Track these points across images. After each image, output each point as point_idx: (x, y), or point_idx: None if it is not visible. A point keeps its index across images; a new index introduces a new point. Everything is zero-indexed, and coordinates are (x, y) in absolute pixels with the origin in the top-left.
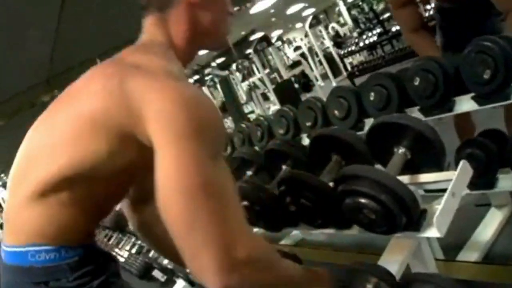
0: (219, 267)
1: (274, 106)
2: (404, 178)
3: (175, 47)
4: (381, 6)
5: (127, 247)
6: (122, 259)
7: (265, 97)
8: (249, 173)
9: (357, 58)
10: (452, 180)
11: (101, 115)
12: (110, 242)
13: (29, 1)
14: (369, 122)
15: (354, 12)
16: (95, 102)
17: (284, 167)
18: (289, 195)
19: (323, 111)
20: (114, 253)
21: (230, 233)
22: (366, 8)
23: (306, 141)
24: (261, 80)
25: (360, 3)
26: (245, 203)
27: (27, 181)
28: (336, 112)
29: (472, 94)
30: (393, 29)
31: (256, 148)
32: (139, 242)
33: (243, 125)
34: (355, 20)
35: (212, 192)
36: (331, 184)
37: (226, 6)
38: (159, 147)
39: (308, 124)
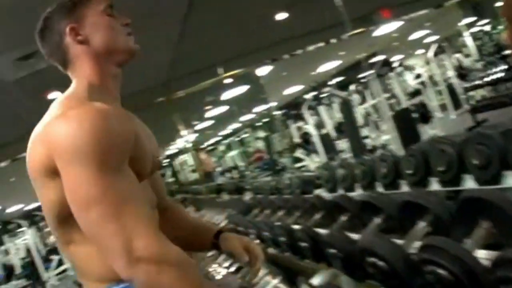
0: (122, 265)
1: (385, 136)
2: None
3: (92, 83)
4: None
5: None
6: None
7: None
8: (376, 221)
9: (479, 92)
10: None
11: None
12: None
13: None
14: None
15: (477, 43)
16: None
17: (420, 223)
18: (430, 264)
19: (458, 157)
20: None
21: (127, 235)
22: (489, 40)
23: (434, 185)
24: (375, 106)
25: (482, 36)
26: (373, 259)
27: None
28: (474, 160)
29: None
30: None
31: (380, 188)
32: None
33: (367, 158)
34: (479, 51)
35: (100, 202)
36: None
37: (111, 24)
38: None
39: (440, 169)
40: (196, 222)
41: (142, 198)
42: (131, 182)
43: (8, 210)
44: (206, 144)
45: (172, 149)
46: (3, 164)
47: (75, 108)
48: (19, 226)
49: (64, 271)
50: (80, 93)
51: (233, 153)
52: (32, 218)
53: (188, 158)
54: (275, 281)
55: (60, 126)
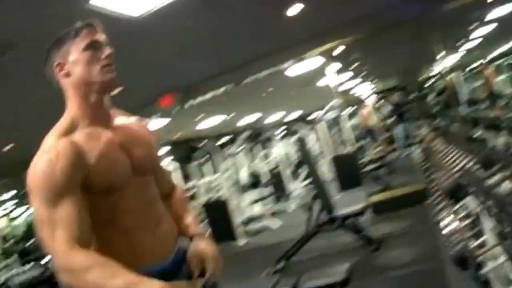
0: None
1: None
2: None
3: (74, 115)
4: None
5: None
6: None
7: None
8: None
9: None
10: None
11: None
12: None
13: None
14: None
15: None
16: None
17: None
18: None
19: None
20: None
21: (53, 249)
22: None
23: None
24: None
25: None
26: None
27: None
28: None
29: None
30: None
31: None
32: None
33: None
34: None
35: (42, 225)
36: None
37: (88, 59)
38: None
39: None
40: (183, 216)
41: (64, 228)
42: (60, 213)
43: (266, 121)
44: (471, 66)
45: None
46: (264, 73)
47: (39, 152)
48: (272, 136)
49: (311, 183)
50: (60, 127)
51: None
52: (287, 130)
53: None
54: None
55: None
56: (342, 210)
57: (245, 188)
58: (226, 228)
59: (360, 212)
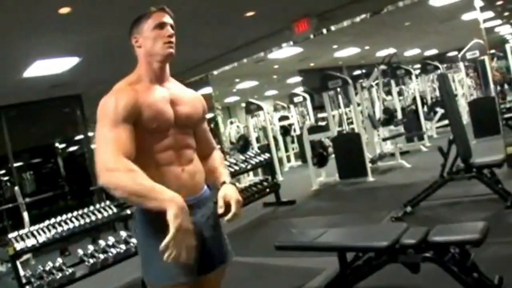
0: (97, 173)
1: None
2: None
3: (140, 72)
4: None
5: None
6: None
7: None
8: None
9: None
10: None
11: None
12: None
13: None
14: None
15: None
16: None
17: None
18: None
19: None
20: None
21: (104, 156)
22: None
23: None
24: None
25: None
26: None
27: None
28: None
29: None
30: None
31: None
32: None
33: None
34: None
35: (100, 142)
36: None
37: (156, 37)
38: None
39: None
40: (218, 170)
41: (117, 143)
42: (116, 133)
43: (407, 53)
44: None
45: None
46: (406, 1)
47: (110, 92)
48: (408, 72)
49: (447, 125)
50: (129, 78)
51: None
52: (425, 65)
53: None
54: None
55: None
56: (479, 159)
57: (377, 124)
58: (356, 163)
59: (499, 164)
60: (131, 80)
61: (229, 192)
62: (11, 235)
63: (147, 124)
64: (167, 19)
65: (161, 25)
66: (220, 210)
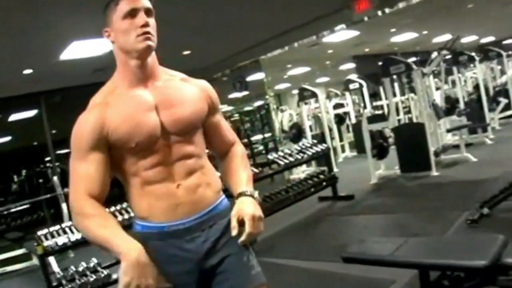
0: None
1: None
2: None
3: (116, 76)
4: None
5: None
6: None
7: None
8: None
9: None
10: None
11: None
12: None
13: None
14: None
15: None
16: None
17: None
18: None
19: None
20: None
21: (71, 196)
22: None
23: None
24: None
25: None
26: None
27: None
28: None
29: None
30: None
31: None
32: None
33: None
34: None
35: (70, 175)
36: None
37: (126, 28)
38: None
39: None
40: (235, 173)
41: (84, 180)
42: (84, 168)
43: (463, 40)
44: None
45: None
46: None
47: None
48: (472, 58)
49: (510, 116)
50: (104, 88)
51: None
52: (486, 52)
53: None
54: None
55: None
56: None
57: (442, 114)
58: (420, 156)
59: None
60: (106, 89)
61: (244, 207)
62: (40, 232)
63: (124, 145)
64: (141, 2)
65: (132, 12)
66: (234, 232)
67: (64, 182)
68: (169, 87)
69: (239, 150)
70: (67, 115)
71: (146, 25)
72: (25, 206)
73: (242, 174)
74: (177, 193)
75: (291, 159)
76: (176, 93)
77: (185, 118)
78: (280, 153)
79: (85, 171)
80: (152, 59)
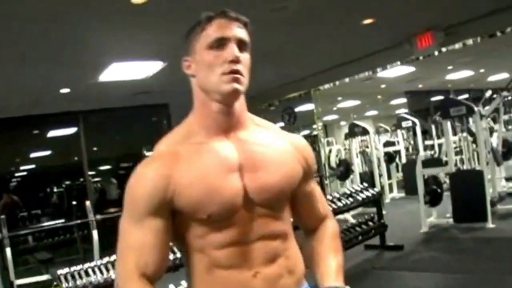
0: None
1: None
2: None
3: (192, 121)
4: None
5: None
6: None
7: None
8: None
9: None
10: None
11: None
12: None
13: None
14: None
15: None
16: None
17: None
18: None
19: None
20: None
21: (118, 269)
22: None
23: None
24: None
25: None
26: None
27: None
28: None
29: None
30: None
31: None
32: None
33: None
34: None
35: (120, 237)
36: None
37: (210, 63)
38: None
39: None
40: (324, 260)
41: (138, 253)
42: (139, 236)
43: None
44: None
45: None
46: None
47: (144, 160)
48: None
49: None
50: (175, 133)
51: None
52: None
53: None
54: None
55: None
56: None
57: (501, 160)
58: (475, 206)
59: None
60: (177, 134)
61: None
62: (60, 272)
63: (193, 214)
64: (233, 31)
65: (220, 42)
66: None
67: (98, 206)
68: (256, 141)
69: (331, 228)
70: (106, 135)
71: (236, 61)
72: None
73: (332, 263)
74: (254, 285)
75: (340, 204)
76: (265, 150)
77: (274, 184)
78: (328, 197)
79: (140, 241)
80: (240, 104)
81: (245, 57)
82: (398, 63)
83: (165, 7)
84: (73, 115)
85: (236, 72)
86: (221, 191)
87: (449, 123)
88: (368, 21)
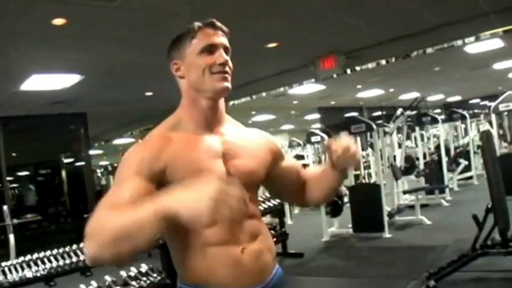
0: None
1: None
2: None
3: (181, 115)
4: None
5: None
6: None
7: None
8: None
9: None
10: None
11: None
12: None
13: None
14: None
15: None
16: None
17: None
18: None
19: None
20: None
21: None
22: None
23: None
24: None
25: None
26: None
27: None
28: None
29: None
30: None
31: None
32: None
33: None
34: None
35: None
36: None
37: (202, 65)
38: None
39: None
40: (317, 174)
41: (116, 198)
42: (122, 189)
43: (430, 98)
44: None
45: None
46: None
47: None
48: (435, 120)
49: (469, 178)
50: (166, 123)
51: None
52: (451, 114)
53: None
54: None
55: None
56: None
57: (399, 175)
58: (373, 216)
59: None
60: (168, 125)
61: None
62: None
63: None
64: (220, 38)
65: (209, 48)
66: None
67: (15, 212)
68: (234, 135)
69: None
70: (25, 142)
71: (225, 63)
72: None
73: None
74: (243, 259)
75: None
76: (242, 141)
77: (251, 169)
78: None
79: (117, 193)
80: (222, 102)
81: (230, 61)
82: (304, 82)
83: (83, 28)
84: None
85: (226, 72)
86: (208, 171)
87: (358, 139)
88: (272, 45)
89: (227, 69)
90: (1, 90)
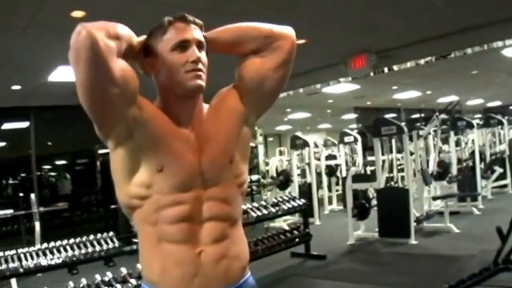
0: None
1: None
2: None
3: (160, 103)
4: None
5: None
6: None
7: None
8: None
9: None
10: None
11: None
12: None
13: None
14: None
15: None
16: None
17: None
18: None
19: None
20: None
21: None
22: None
23: None
24: None
25: None
26: None
27: None
28: None
29: None
30: None
31: None
32: None
33: None
34: None
35: None
36: None
37: (175, 62)
38: None
39: None
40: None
41: None
42: None
43: (469, 103)
44: None
45: None
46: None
47: None
48: (470, 125)
49: (504, 186)
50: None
51: None
52: (488, 119)
53: None
54: None
55: None
56: None
57: (430, 180)
58: (400, 222)
59: None
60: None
61: None
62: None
63: (148, 157)
64: (193, 33)
65: (182, 44)
66: None
67: (47, 200)
68: (207, 123)
69: None
70: (58, 132)
71: (198, 61)
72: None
73: None
74: (198, 262)
75: (265, 211)
76: (214, 127)
77: (222, 163)
78: (255, 204)
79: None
80: (200, 99)
81: (203, 56)
82: (331, 82)
83: (102, 19)
84: (24, 110)
85: (199, 70)
86: (180, 157)
87: (393, 140)
88: (301, 41)
89: (200, 66)
90: (29, 80)
